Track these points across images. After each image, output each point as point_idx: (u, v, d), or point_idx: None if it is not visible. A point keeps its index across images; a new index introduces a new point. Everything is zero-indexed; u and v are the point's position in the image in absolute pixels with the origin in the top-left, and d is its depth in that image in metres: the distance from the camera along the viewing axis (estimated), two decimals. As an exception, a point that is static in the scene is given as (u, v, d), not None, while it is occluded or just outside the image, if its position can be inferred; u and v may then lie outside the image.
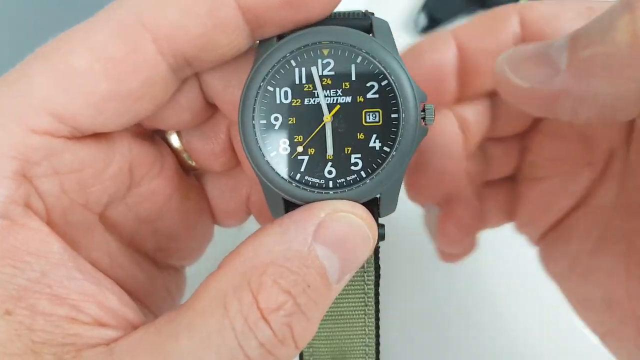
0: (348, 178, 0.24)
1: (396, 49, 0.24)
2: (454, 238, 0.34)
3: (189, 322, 0.21)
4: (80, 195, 0.25)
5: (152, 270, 0.30)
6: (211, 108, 0.28)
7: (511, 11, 0.29)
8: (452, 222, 0.33)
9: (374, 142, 0.24)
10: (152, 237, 0.30)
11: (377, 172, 0.24)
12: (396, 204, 0.25)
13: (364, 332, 0.27)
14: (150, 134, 0.28)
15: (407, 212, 0.33)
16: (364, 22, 0.25)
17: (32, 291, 0.21)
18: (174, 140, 0.30)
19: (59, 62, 0.22)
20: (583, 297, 0.32)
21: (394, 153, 0.24)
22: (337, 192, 0.24)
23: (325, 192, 0.24)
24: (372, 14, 0.25)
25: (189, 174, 0.31)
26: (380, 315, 0.27)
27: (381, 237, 0.25)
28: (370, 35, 0.24)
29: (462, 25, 0.30)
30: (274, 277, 0.21)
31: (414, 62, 0.30)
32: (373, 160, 0.24)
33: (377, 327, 0.27)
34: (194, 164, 0.30)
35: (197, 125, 0.28)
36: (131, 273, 0.29)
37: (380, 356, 0.28)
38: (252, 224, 0.33)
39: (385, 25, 0.25)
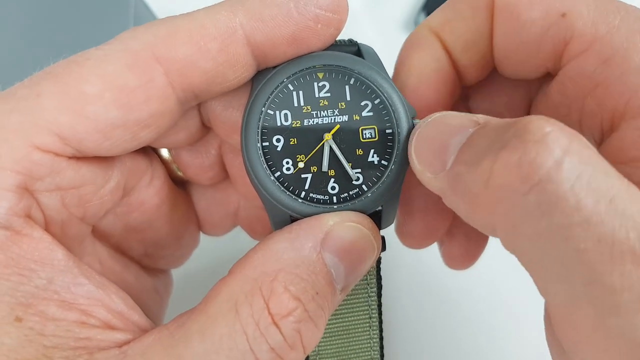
0: (351, 192, 0.25)
1: (385, 69, 0.25)
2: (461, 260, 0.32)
3: (201, 326, 0.21)
4: (79, 209, 0.25)
5: (140, 273, 0.31)
6: (206, 128, 0.28)
7: None
8: (455, 252, 0.32)
9: (372, 156, 0.25)
10: (139, 244, 0.31)
11: (378, 185, 0.25)
12: (395, 217, 0.26)
13: (369, 345, 0.27)
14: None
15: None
16: (352, 49, 0.26)
17: (40, 298, 0.21)
18: (164, 151, 0.30)
19: (70, 86, 0.22)
20: None
21: (391, 166, 0.25)
22: (341, 207, 0.24)
23: (329, 207, 0.24)
24: (357, 41, 0.26)
25: (177, 185, 0.31)
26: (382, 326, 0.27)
27: (382, 247, 0.25)
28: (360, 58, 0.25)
29: (437, 15, 0.27)
30: (285, 284, 0.21)
31: (404, 75, 0.27)
32: (373, 174, 0.25)
33: (381, 339, 0.27)
34: (182, 174, 0.31)
35: (191, 144, 0.29)
36: (121, 277, 0.29)
37: None
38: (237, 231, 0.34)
39: (371, 50, 0.26)
